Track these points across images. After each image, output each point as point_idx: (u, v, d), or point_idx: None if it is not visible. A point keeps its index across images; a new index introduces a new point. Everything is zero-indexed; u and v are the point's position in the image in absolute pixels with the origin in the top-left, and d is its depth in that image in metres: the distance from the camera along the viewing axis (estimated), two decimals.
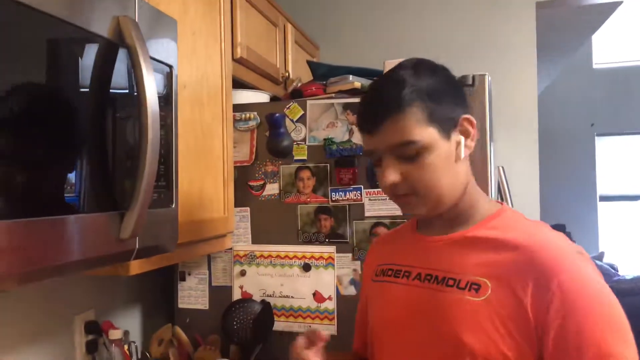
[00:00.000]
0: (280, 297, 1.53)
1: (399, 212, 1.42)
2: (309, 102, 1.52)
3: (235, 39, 1.56)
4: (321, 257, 1.49)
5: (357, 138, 1.46)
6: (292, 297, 1.52)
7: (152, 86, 0.83)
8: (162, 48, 0.98)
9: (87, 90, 0.79)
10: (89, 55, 0.80)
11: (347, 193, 1.47)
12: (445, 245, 0.94)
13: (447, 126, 0.89)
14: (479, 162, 1.39)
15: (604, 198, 6.36)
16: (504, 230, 0.90)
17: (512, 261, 0.85)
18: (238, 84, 1.63)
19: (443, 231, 0.95)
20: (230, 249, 1.57)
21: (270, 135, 1.53)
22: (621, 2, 2.99)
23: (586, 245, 5.35)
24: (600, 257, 5.31)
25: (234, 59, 1.56)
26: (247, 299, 1.54)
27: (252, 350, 1.45)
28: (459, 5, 2.47)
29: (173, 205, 1.02)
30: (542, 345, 0.81)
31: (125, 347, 1.43)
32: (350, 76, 1.58)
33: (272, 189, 1.55)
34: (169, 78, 1.01)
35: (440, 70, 0.92)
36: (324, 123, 1.50)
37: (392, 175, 0.89)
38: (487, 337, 0.84)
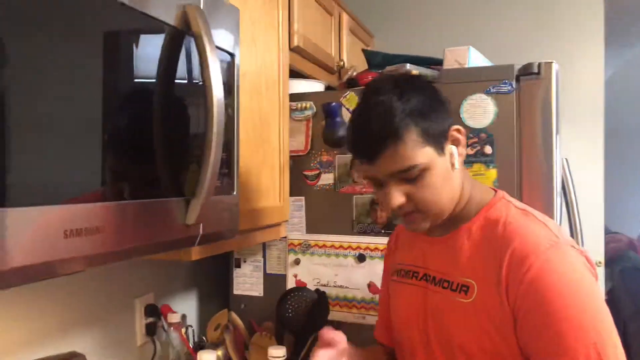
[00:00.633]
0: (334, 287, 1.53)
1: None
2: None
3: (292, 27, 1.55)
4: (376, 249, 1.48)
5: None
6: (346, 287, 1.51)
7: (218, 75, 0.84)
8: (225, 36, 0.99)
9: (154, 78, 0.81)
10: (156, 43, 0.81)
11: None
12: (442, 246, 0.99)
13: (440, 141, 0.91)
14: (542, 154, 1.34)
15: None
16: (493, 225, 0.93)
17: (493, 257, 0.89)
18: (293, 73, 1.63)
19: (441, 232, 0.99)
20: (285, 237, 1.58)
21: (326, 125, 1.52)
22: None
23: None
24: None
25: (290, 48, 1.56)
26: (301, 287, 1.54)
27: (306, 338, 1.46)
28: None
29: (234, 193, 1.03)
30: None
31: (183, 330, 1.47)
32: (408, 65, 1.55)
33: (327, 178, 1.55)
34: (231, 66, 1.02)
35: (422, 85, 0.94)
36: None
37: (397, 198, 0.91)
38: (478, 336, 0.89)
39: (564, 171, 1.71)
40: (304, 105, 1.56)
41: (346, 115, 1.52)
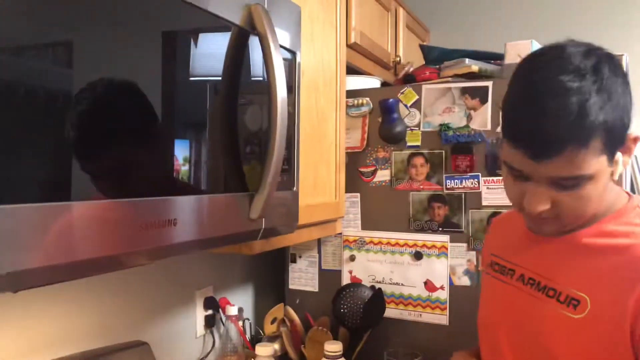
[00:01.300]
0: (390, 284, 1.52)
1: None
2: (425, 87, 1.49)
3: (349, 24, 1.55)
4: (433, 246, 1.46)
5: (476, 123, 1.41)
6: (402, 284, 1.50)
7: (281, 74, 0.85)
8: (287, 34, 1.00)
9: (220, 75, 0.83)
10: (221, 42, 0.83)
11: (464, 181, 1.42)
12: (552, 248, 0.85)
13: (616, 150, 0.74)
14: None
15: None
16: (620, 235, 0.80)
17: (620, 279, 0.76)
18: (350, 69, 1.63)
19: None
20: (340, 233, 1.58)
21: (383, 121, 1.51)
22: None
23: None
24: None
25: (347, 45, 1.56)
26: (357, 283, 1.55)
27: (361, 334, 1.46)
28: None
29: (294, 189, 1.05)
30: None
31: (240, 323, 1.51)
32: (467, 59, 1.52)
33: (383, 175, 1.54)
34: (292, 64, 1.03)
35: (618, 69, 0.73)
36: (439, 108, 1.46)
37: (541, 203, 0.76)
38: (584, 355, 0.78)
39: (632, 170, 1.63)
40: (360, 101, 1.56)
41: (403, 112, 1.51)
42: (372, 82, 1.68)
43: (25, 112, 0.52)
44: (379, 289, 1.49)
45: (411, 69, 1.73)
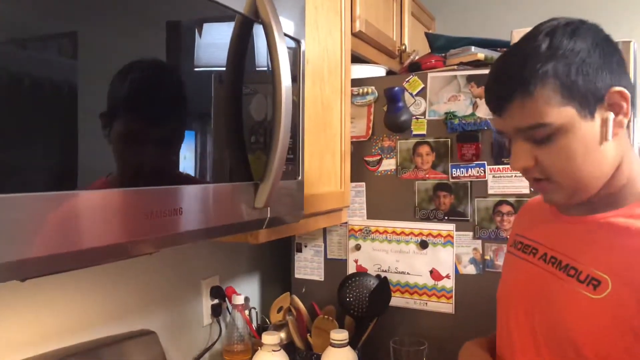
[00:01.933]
0: (395, 272, 1.52)
1: (525, 190, 1.35)
2: (430, 75, 1.48)
3: (354, 12, 1.54)
4: (439, 235, 1.46)
5: (482, 112, 1.40)
6: (408, 273, 1.51)
7: (286, 62, 0.84)
8: (291, 22, 1.00)
9: (224, 65, 0.82)
10: (225, 31, 0.83)
11: (469, 169, 1.42)
12: (577, 228, 0.86)
13: (589, 102, 0.77)
14: None
15: None
16: None
17: None
18: (354, 58, 1.62)
19: (582, 211, 0.86)
20: (346, 223, 1.58)
21: (388, 110, 1.51)
22: None
23: None
24: None
25: (352, 33, 1.55)
26: (362, 272, 1.55)
27: (367, 323, 1.47)
28: None
29: (299, 178, 1.05)
30: None
31: (246, 312, 1.52)
32: (473, 47, 1.51)
33: (388, 164, 1.54)
34: (297, 53, 1.03)
35: (584, 32, 0.78)
36: (445, 96, 1.45)
37: (521, 160, 0.82)
38: (600, 336, 0.77)
39: None
40: (365, 90, 1.55)
41: (409, 100, 1.50)
42: (377, 71, 1.67)
43: (28, 103, 0.52)
44: (385, 277, 1.50)
45: (416, 57, 1.72)
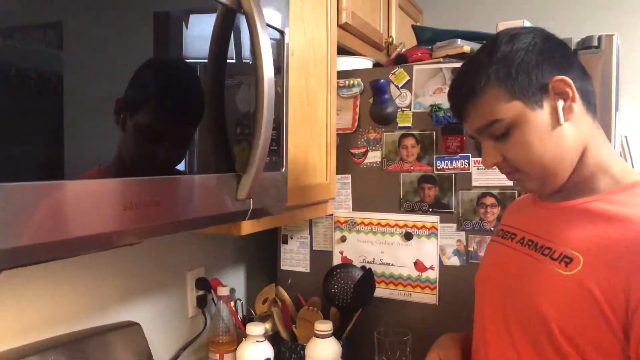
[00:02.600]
0: (380, 264, 1.53)
1: (508, 183, 1.36)
2: (416, 67, 1.48)
3: (340, 4, 1.54)
4: (424, 227, 1.47)
5: None
6: (392, 264, 1.52)
7: (268, 53, 0.84)
8: (275, 13, 0.99)
9: (206, 56, 0.82)
10: (207, 22, 0.82)
11: (454, 162, 1.43)
12: (555, 213, 0.91)
13: (535, 95, 0.84)
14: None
15: None
16: (624, 206, 0.83)
17: (617, 238, 0.79)
18: (341, 50, 1.61)
19: (558, 198, 0.92)
20: (331, 215, 1.59)
21: (374, 102, 1.51)
22: None
23: None
24: None
25: (338, 25, 1.54)
26: (348, 264, 1.56)
27: (352, 314, 1.48)
28: None
29: (283, 169, 1.05)
30: (629, 335, 0.76)
31: (232, 303, 1.52)
32: (459, 40, 1.51)
33: (374, 156, 1.54)
34: (280, 44, 1.02)
35: (522, 36, 0.87)
36: (430, 89, 1.45)
37: (489, 157, 0.90)
38: (567, 311, 0.81)
39: (622, 149, 1.64)
40: (351, 82, 1.55)
41: (395, 92, 1.50)
42: (363, 63, 1.67)
43: (14, 93, 0.52)
44: (369, 269, 1.51)
45: (403, 50, 1.72)
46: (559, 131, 0.85)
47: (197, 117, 0.80)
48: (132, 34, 0.68)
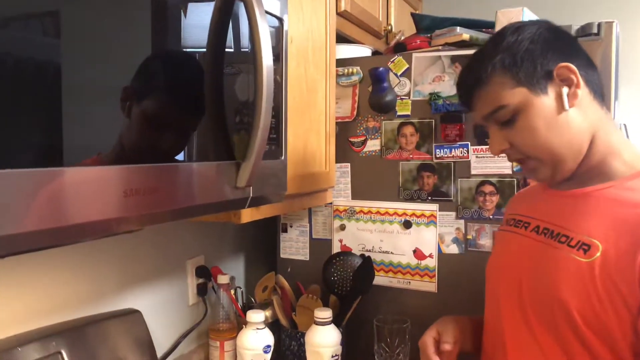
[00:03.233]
0: (379, 252, 1.54)
1: (507, 171, 1.36)
2: (415, 55, 1.47)
3: None
4: (422, 215, 1.48)
5: None
6: (391, 252, 1.52)
7: (267, 40, 0.84)
8: (274, 0, 0.99)
9: (204, 43, 0.82)
10: (205, 9, 0.82)
11: (453, 150, 1.43)
12: (570, 201, 0.91)
13: (540, 81, 0.87)
14: None
15: None
16: (638, 189, 0.84)
17: (634, 224, 0.80)
18: (340, 38, 1.61)
19: (571, 186, 0.92)
20: (331, 203, 1.59)
21: (373, 90, 1.51)
22: None
23: None
24: None
25: (337, 13, 1.54)
26: (347, 252, 1.56)
27: (351, 301, 1.49)
28: None
29: (282, 158, 1.05)
30: None
31: (232, 291, 1.53)
32: (458, 28, 1.51)
33: (373, 145, 1.54)
34: (279, 31, 1.02)
35: (528, 27, 0.90)
36: (429, 77, 1.45)
37: (496, 144, 0.92)
38: (587, 298, 0.81)
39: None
40: (350, 70, 1.55)
41: (394, 81, 1.50)
42: (362, 51, 1.66)
43: (12, 81, 0.52)
44: (368, 257, 1.51)
45: (402, 38, 1.71)
46: (564, 117, 0.87)
47: (200, 106, 0.80)
48: (130, 23, 0.67)
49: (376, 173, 1.54)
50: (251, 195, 0.92)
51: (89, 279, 1.18)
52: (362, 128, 1.55)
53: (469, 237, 1.42)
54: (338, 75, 1.55)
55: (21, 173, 0.53)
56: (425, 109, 1.46)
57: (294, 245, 1.66)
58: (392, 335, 1.29)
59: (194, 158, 0.80)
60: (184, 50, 0.78)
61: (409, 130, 1.48)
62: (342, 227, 1.59)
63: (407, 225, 1.50)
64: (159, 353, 1.34)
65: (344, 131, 1.57)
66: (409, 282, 1.50)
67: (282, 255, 1.68)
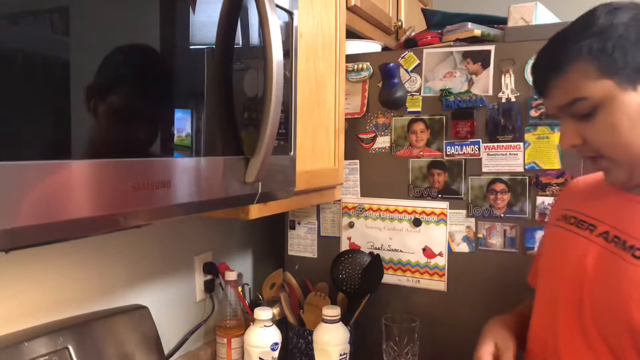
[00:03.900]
0: (388, 250, 1.52)
1: (519, 169, 1.34)
2: (426, 51, 1.46)
3: None
4: (432, 213, 1.46)
5: (477, 88, 1.38)
6: (400, 251, 1.51)
7: (277, 34, 0.83)
8: None
9: (214, 37, 0.81)
10: (215, 3, 0.81)
11: (464, 147, 1.41)
12: None
13: (629, 75, 0.76)
14: None
15: None
16: None
17: None
18: (350, 34, 1.59)
19: None
20: (339, 200, 1.58)
21: (383, 86, 1.49)
22: None
23: None
24: None
25: (347, 8, 1.52)
26: (355, 249, 1.55)
27: (359, 300, 1.47)
28: None
29: (291, 153, 1.04)
30: None
31: (239, 288, 1.52)
32: (469, 24, 1.49)
33: (382, 142, 1.53)
34: (289, 26, 1.01)
35: (623, 10, 0.78)
36: (441, 73, 1.43)
37: (568, 138, 0.83)
38: None
39: None
40: (360, 66, 1.54)
41: (404, 77, 1.48)
42: (372, 47, 1.64)
43: (18, 74, 0.51)
44: (377, 255, 1.50)
45: (413, 34, 1.69)
46: None
47: (202, 101, 0.79)
48: (140, 18, 0.66)
49: (386, 170, 1.52)
50: (260, 191, 0.91)
51: (97, 274, 1.18)
52: (371, 124, 1.54)
53: (480, 235, 1.40)
54: (348, 71, 1.54)
55: (24, 165, 0.52)
56: (436, 105, 1.44)
57: (302, 243, 1.65)
58: (401, 334, 1.28)
59: (201, 153, 0.79)
60: (192, 45, 0.77)
61: (419, 127, 1.46)
62: (351, 225, 1.58)
63: (416, 223, 1.48)
64: (166, 349, 1.34)
65: (353, 127, 1.55)
66: (418, 281, 1.48)
67: (290, 253, 1.67)
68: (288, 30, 1.00)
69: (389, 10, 1.86)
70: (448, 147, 1.43)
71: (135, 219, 0.67)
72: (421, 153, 1.47)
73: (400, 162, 1.50)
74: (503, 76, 1.36)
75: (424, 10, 1.73)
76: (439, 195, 1.45)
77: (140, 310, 1.21)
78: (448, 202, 1.44)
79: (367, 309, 1.48)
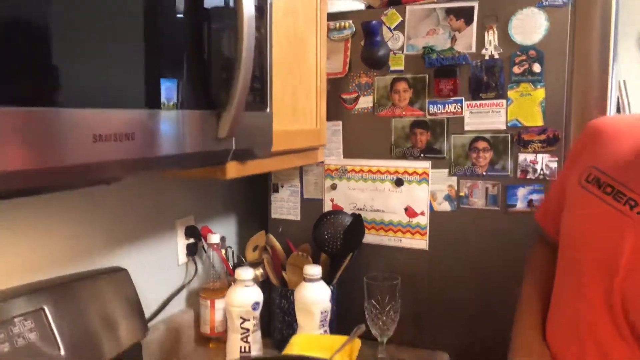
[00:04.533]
0: (370, 210, 1.52)
1: (502, 126, 1.33)
2: (409, 7, 1.42)
3: None
4: (415, 173, 1.45)
5: (460, 45, 1.36)
6: (382, 211, 1.50)
7: None
8: None
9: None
10: None
11: (447, 105, 1.39)
12: None
13: None
14: (596, 74, 1.25)
15: None
16: None
17: None
18: None
19: None
20: (322, 162, 1.56)
21: (365, 45, 1.46)
22: None
23: None
24: None
25: None
26: (337, 210, 1.55)
27: (342, 259, 1.48)
28: None
29: (267, 110, 1.01)
30: None
31: (223, 251, 1.51)
32: None
33: (365, 102, 1.50)
34: None
35: None
36: (423, 30, 1.40)
37: None
38: None
39: (620, 94, 1.61)
40: (342, 24, 1.50)
41: (387, 34, 1.45)
42: (355, 5, 1.60)
43: None
44: (359, 215, 1.49)
45: None
46: None
47: (172, 53, 0.76)
48: None
49: (368, 131, 1.50)
50: (234, 147, 0.89)
51: (74, 235, 1.16)
52: (354, 84, 1.51)
53: (462, 194, 1.40)
54: (329, 30, 1.50)
55: None
56: (419, 64, 1.41)
57: (285, 205, 1.64)
58: (382, 292, 1.28)
59: (172, 106, 0.76)
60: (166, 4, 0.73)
61: (402, 86, 1.44)
62: (334, 187, 1.57)
63: (398, 183, 1.47)
64: (149, 312, 1.34)
65: (335, 88, 1.53)
66: (400, 240, 1.48)
67: (273, 216, 1.66)
68: None
69: None
70: (431, 105, 1.41)
71: (99, 173, 0.65)
72: (404, 113, 1.45)
73: (382, 123, 1.48)
74: (486, 33, 1.33)
75: None
76: (422, 155, 1.44)
77: (119, 273, 1.20)
78: (430, 162, 1.43)
79: (350, 269, 1.48)
